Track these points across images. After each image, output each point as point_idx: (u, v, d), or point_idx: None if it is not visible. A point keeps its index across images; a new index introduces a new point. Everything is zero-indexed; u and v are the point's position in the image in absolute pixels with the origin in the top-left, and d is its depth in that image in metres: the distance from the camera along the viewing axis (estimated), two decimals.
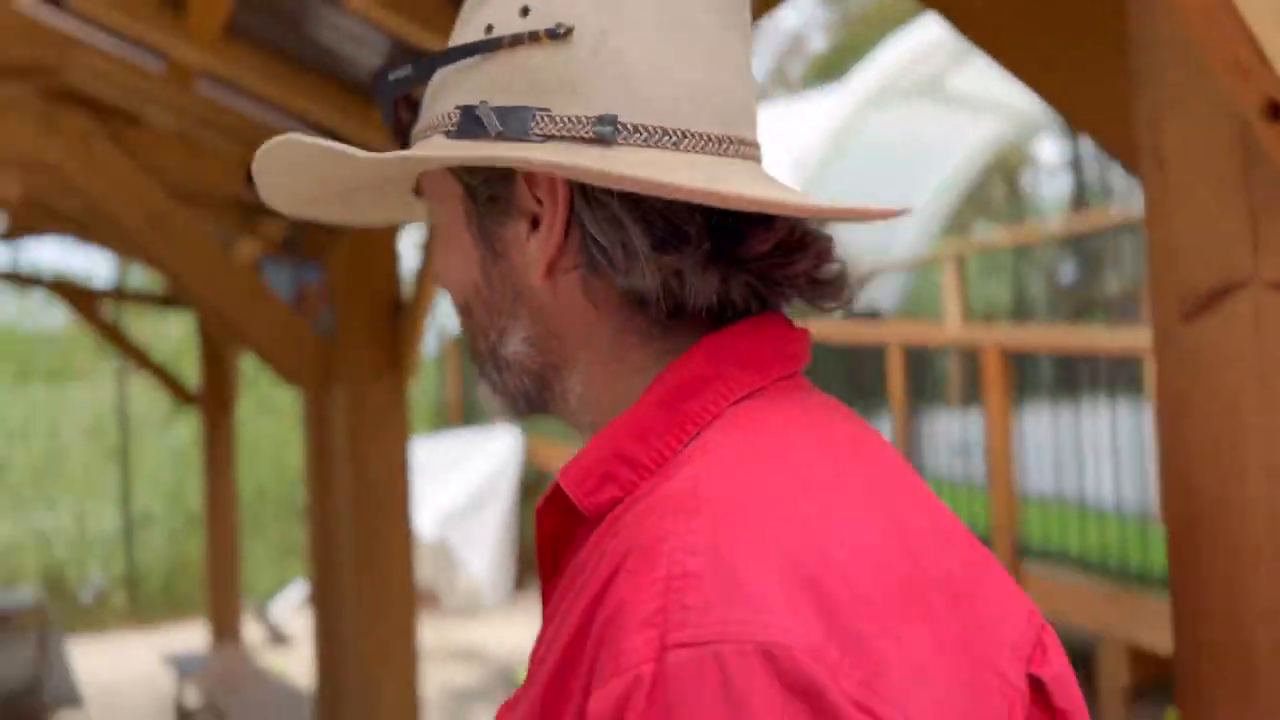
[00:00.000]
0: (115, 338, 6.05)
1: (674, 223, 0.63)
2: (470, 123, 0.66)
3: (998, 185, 14.92)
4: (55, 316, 10.13)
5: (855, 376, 6.60)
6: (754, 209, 0.61)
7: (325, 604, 3.56)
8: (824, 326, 5.98)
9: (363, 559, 3.13)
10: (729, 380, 0.64)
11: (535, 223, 0.67)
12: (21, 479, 9.93)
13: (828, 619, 0.51)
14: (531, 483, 10.89)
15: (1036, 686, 0.60)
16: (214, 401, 6.19)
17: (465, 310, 0.74)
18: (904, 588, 0.55)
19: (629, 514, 0.59)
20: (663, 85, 0.64)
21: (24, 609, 4.95)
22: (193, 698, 5.52)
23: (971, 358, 6.27)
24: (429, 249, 3.03)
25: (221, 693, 4.88)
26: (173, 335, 10.18)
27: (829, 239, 0.69)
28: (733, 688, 0.49)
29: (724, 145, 0.66)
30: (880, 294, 9.72)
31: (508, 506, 9.41)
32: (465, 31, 0.69)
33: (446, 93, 0.69)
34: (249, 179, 0.97)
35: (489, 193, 0.69)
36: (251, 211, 3.51)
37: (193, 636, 9.37)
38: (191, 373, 6.53)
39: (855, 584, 0.53)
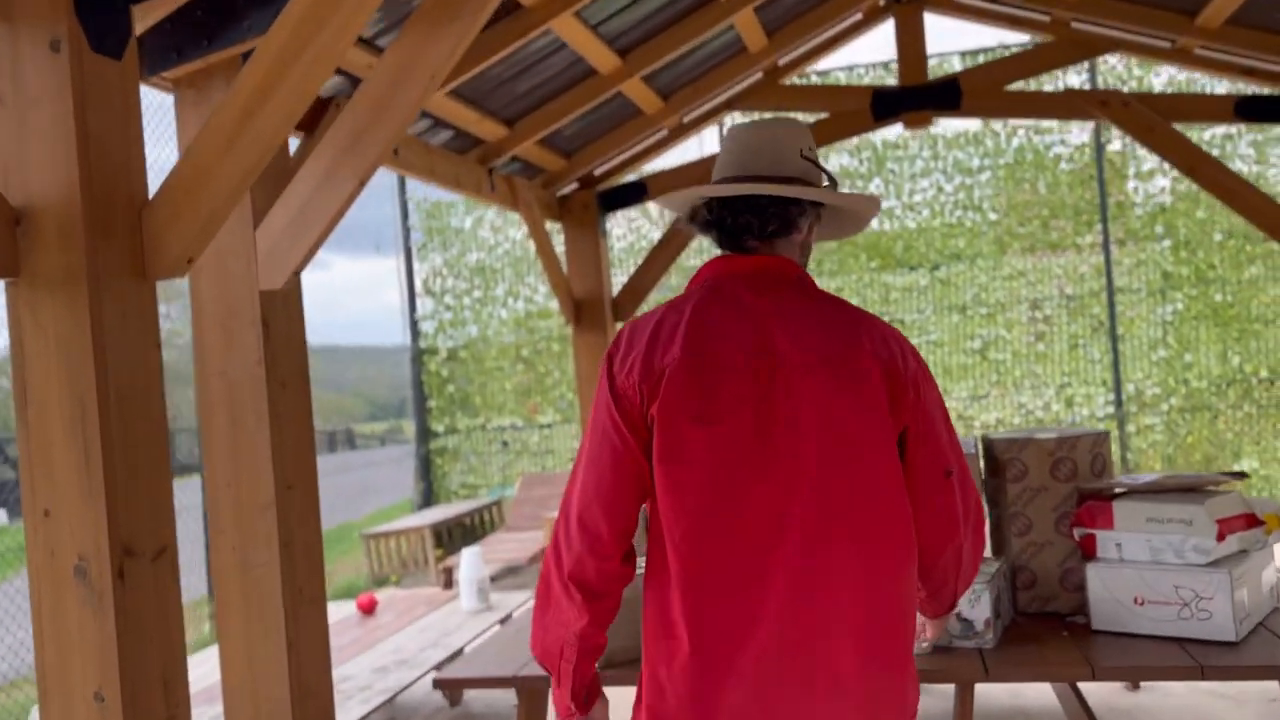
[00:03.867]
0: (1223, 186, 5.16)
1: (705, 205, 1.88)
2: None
3: None
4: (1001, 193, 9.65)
5: None
6: (700, 195, 1.87)
7: None
8: None
9: None
10: (691, 285, 1.85)
11: None
12: (1006, 356, 9.61)
13: (622, 344, 1.81)
14: None
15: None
16: None
17: None
18: (657, 336, 1.77)
19: None
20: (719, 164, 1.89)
21: None
22: None
23: None
24: None
25: None
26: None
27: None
28: None
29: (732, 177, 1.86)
30: None
31: None
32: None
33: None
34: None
35: None
36: None
37: None
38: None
39: (635, 336, 1.79)
